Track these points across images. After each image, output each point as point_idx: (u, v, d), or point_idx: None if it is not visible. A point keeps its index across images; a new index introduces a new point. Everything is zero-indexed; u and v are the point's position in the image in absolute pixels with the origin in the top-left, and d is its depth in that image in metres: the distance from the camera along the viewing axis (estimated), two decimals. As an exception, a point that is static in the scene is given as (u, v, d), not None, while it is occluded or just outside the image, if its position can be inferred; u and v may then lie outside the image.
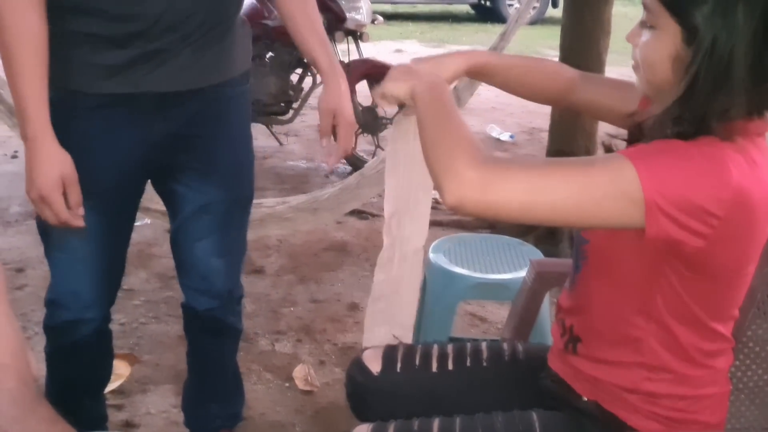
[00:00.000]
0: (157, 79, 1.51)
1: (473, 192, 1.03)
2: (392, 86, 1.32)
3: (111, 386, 2.37)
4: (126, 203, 1.70)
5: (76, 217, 1.50)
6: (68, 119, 1.52)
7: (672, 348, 1.18)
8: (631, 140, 1.23)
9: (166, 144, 1.63)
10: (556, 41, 3.58)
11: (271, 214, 2.98)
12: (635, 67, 1.17)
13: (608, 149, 1.36)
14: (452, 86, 1.44)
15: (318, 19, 1.72)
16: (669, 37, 1.07)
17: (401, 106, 1.39)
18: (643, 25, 1.13)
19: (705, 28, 1.03)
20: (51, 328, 1.74)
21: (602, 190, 1.03)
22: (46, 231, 1.62)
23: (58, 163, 1.46)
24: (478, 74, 1.43)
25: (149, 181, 1.74)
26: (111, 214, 1.63)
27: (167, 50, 1.51)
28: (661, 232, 1.03)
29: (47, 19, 1.44)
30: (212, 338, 1.92)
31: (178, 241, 1.78)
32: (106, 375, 1.93)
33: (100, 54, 1.49)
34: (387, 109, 1.45)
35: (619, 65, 7.37)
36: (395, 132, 1.47)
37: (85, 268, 1.65)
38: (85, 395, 1.85)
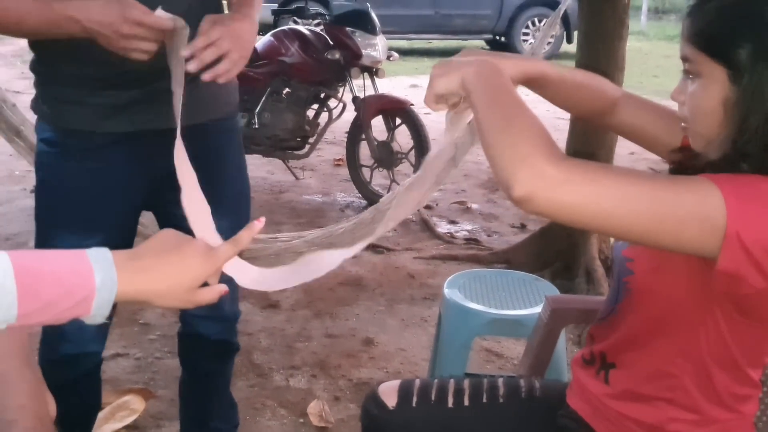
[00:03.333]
0: (157, 117, 1.53)
1: (549, 189, 0.95)
2: (441, 82, 1.17)
3: (125, 421, 2.37)
4: (129, 238, 1.72)
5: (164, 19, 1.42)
6: (69, 159, 1.56)
7: (705, 389, 1.16)
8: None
9: (168, 180, 1.64)
10: (571, 77, 3.58)
11: (287, 249, 3.00)
12: (684, 124, 1.14)
13: (656, 142, 1.32)
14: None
15: None
16: (716, 82, 1.05)
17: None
18: (687, 76, 1.11)
19: (749, 65, 1.02)
20: (51, 361, 1.73)
21: (686, 210, 0.97)
22: None
23: (111, 7, 1.39)
24: (531, 83, 1.31)
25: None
26: (115, 248, 1.64)
27: (165, 90, 1.51)
28: (733, 266, 0.98)
29: (44, 61, 1.47)
30: (219, 361, 1.95)
31: None
32: (97, 405, 1.94)
33: (98, 94, 1.52)
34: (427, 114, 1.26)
35: (634, 100, 7.37)
36: (451, 128, 1.29)
37: None
38: (77, 426, 1.85)
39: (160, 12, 1.41)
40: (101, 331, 1.73)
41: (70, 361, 1.71)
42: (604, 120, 1.38)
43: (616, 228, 1.01)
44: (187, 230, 1.74)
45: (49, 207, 1.63)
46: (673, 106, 1.21)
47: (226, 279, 1.78)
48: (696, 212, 0.97)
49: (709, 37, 1.06)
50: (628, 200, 0.97)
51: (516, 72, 1.25)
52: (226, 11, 1.71)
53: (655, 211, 0.97)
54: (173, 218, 1.73)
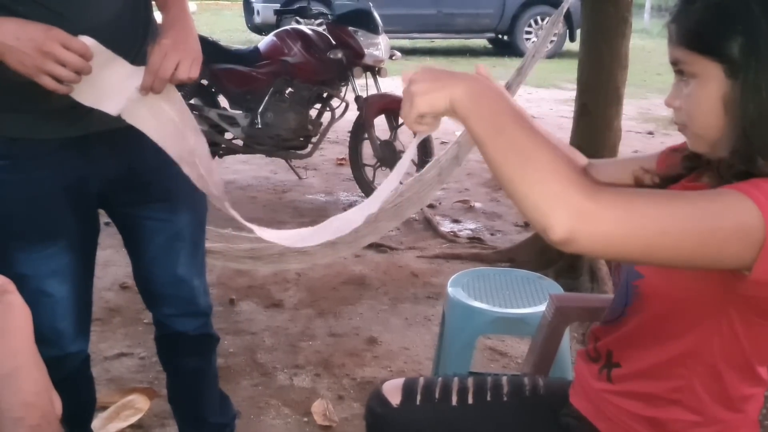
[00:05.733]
0: (99, 119, 1.50)
1: (592, 225, 0.90)
2: (426, 101, 1.02)
3: (130, 420, 2.38)
4: (91, 239, 1.72)
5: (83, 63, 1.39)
6: (20, 170, 1.54)
7: (714, 392, 1.16)
8: (665, 179, 1.23)
9: (123, 179, 1.65)
10: (574, 75, 3.59)
11: (290, 248, 2.99)
12: (682, 129, 1.13)
13: (639, 183, 1.33)
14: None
15: None
16: (712, 80, 1.05)
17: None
18: (680, 79, 1.11)
19: (743, 58, 1.02)
20: None
21: (727, 227, 0.94)
22: (19, 281, 1.60)
23: (32, 25, 1.36)
24: None
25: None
26: (79, 251, 1.66)
27: None
28: (767, 276, 0.96)
29: None
30: (202, 356, 1.96)
31: (152, 272, 1.79)
32: (92, 401, 1.95)
33: (34, 100, 1.48)
34: (422, 134, 1.08)
35: (637, 98, 7.37)
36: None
37: (64, 308, 1.65)
38: (75, 424, 1.86)
39: (84, 38, 1.38)
40: (81, 330, 1.73)
41: (55, 363, 1.69)
42: None
43: (661, 256, 0.97)
44: (142, 233, 1.75)
45: (6, 220, 1.58)
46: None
47: (197, 272, 1.81)
48: (736, 230, 0.94)
49: (700, 35, 1.06)
50: (672, 227, 0.94)
51: None
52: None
53: (698, 234, 0.94)
54: (128, 217, 1.75)
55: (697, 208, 0.95)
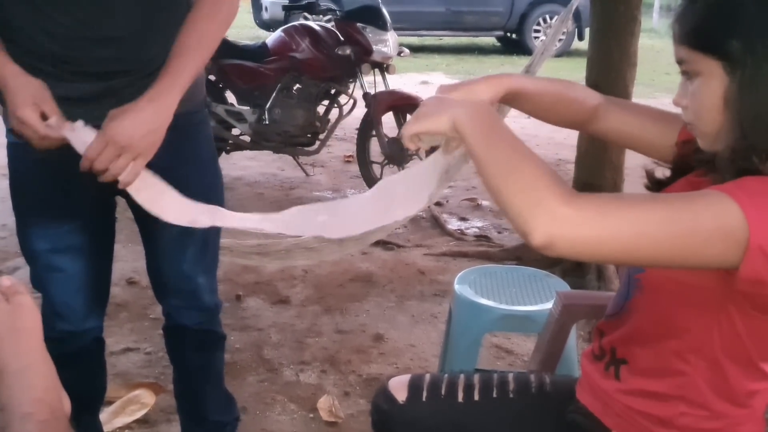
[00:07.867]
0: None
1: (569, 229, 0.94)
2: (429, 122, 1.14)
3: (136, 415, 2.39)
4: (106, 224, 1.77)
5: (56, 130, 1.46)
6: (37, 151, 1.57)
7: (717, 387, 1.16)
8: (676, 170, 1.23)
9: None
10: (582, 73, 3.58)
11: (297, 245, 3.00)
12: (690, 128, 1.15)
13: (651, 176, 1.32)
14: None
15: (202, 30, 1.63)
16: (714, 77, 1.06)
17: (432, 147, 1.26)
18: (686, 78, 1.12)
19: (741, 57, 1.03)
20: (49, 338, 1.75)
21: (708, 229, 0.96)
22: (35, 255, 1.70)
23: (26, 88, 1.46)
24: (511, 100, 1.32)
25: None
26: (93, 233, 1.72)
27: (131, 84, 1.54)
28: (756, 274, 0.97)
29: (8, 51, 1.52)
30: (205, 352, 1.97)
31: (160, 265, 1.82)
32: (102, 387, 1.97)
33: (57, 87, 1.51)
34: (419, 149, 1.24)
35: (646, 97, 7.34)
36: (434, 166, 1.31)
37: (76, 284, 1.72)
38: (84, 409, 1.88)
39: (79, 124, 1.44)
40: (94, 309, 1.78)
41: (67, 337, 1.75)
42: (587, 128, 1.39)
43: (641, 258, 1.01)
44: (155, 225, 1.75)
45: (24, 197, 1.68)
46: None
47: (203, 270, 1.82)
48: (717, 230, 0.96)
49: (701, 33, 1.07)
50: (648, 228, 0.96)
51: (494, 91, 1.27)
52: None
53: (677, 235, 0.96)
54: (142, 209, 1.75)
55: (673, 209, 0.98)
